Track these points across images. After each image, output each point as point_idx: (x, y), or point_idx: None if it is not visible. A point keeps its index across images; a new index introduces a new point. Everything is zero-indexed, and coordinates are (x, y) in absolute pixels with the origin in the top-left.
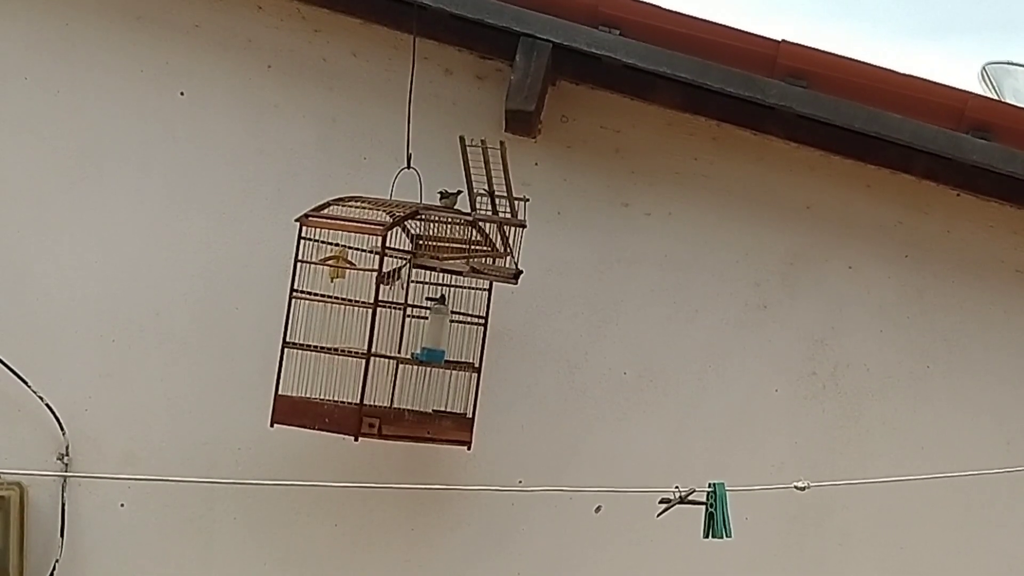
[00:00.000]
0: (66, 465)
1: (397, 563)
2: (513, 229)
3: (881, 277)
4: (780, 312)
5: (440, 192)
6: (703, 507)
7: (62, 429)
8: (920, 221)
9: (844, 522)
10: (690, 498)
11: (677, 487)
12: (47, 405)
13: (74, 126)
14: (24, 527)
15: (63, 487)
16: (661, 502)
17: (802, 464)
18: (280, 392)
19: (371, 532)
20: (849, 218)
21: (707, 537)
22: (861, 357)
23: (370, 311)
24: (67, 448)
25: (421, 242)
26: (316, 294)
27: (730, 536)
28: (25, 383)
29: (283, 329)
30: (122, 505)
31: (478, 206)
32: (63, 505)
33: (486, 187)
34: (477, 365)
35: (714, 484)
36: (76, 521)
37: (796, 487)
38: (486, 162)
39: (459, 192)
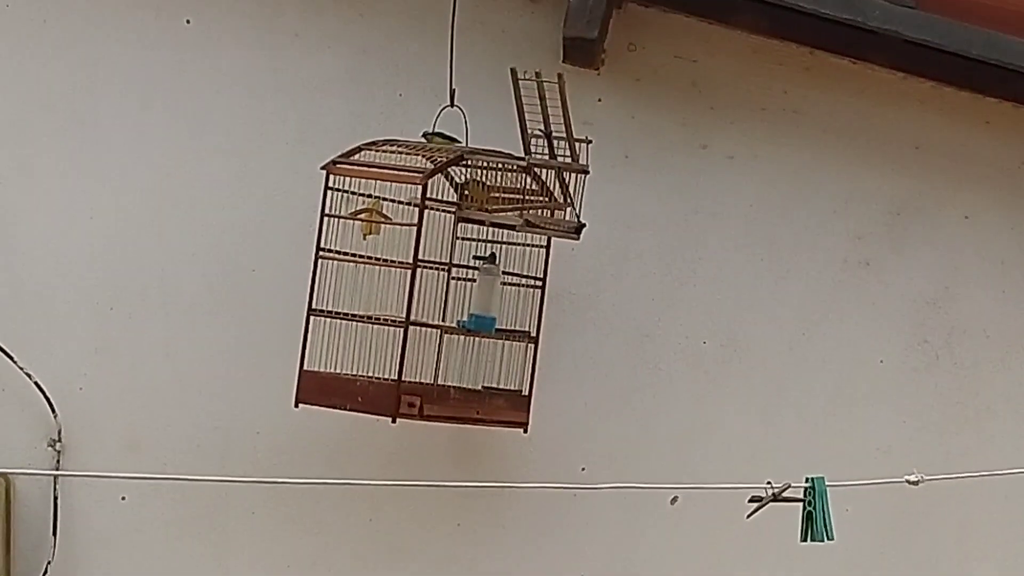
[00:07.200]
0: (58, 452)
1: (441, 562)
2: (574, 176)
3: (1004, 228)
4: (885, 270)
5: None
6: (799, 504)
7: (53, 412)
8: None
9: (962, 515)
10: (784, 495)
11: (769, 482)
12: (36, 384)
13: (64, 60)
14: (10, 524)
15: (55, 478)
16: (751, 500)
17: (911, 448)
18: (306, 367)
19: (411, 528)
20: (965, 160)
21: (805, 540)
22: (980, 322)
23: (409, 272)
24: (59, 433)
25: (467, 192)
26: (346, 253)
27: (832, 539)
28: (11, 358)
29: (308, 294)
30: (123, 498)
31: (533, 149)
32: (55, 499)
33: (542, 127)
34: (534, 334)
35: (812, 479)
36: (70, 517)
37: (908, 481)
38: (541, 98)
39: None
